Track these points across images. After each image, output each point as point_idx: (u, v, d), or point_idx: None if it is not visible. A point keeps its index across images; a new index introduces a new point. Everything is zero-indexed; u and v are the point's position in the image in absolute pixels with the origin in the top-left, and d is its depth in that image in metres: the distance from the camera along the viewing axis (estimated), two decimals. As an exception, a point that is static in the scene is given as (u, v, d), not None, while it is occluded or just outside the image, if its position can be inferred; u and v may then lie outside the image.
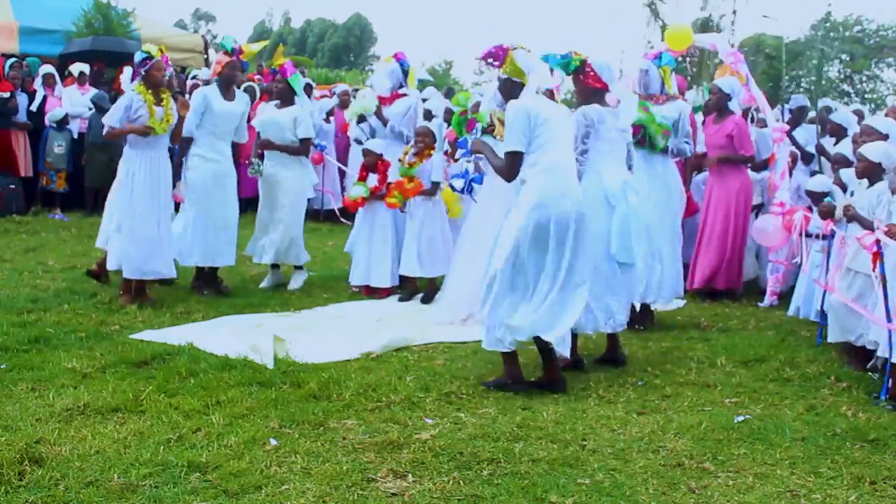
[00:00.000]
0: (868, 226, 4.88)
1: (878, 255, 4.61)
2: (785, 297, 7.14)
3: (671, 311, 6.79)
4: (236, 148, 7.26)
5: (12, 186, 10.62)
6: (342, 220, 9.04)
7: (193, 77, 11.92)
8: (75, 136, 11.17)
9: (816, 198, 6.56)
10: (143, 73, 6.29)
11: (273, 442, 3.75)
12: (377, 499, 3.27)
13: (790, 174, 7.31)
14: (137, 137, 6.29)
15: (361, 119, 7.70)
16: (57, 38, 12.62)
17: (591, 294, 4.74)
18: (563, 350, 4.59)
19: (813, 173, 7.82)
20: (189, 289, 6.95)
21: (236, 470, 3.43)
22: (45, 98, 11.14)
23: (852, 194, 5.89)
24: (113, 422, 3.96)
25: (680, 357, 5.47)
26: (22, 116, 10.77)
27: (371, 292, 7.24)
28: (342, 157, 11.41)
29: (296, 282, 7.41)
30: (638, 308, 5.89)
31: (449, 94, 15.68)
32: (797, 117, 8.46)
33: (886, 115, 6.88)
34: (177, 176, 6.81)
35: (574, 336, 4.95)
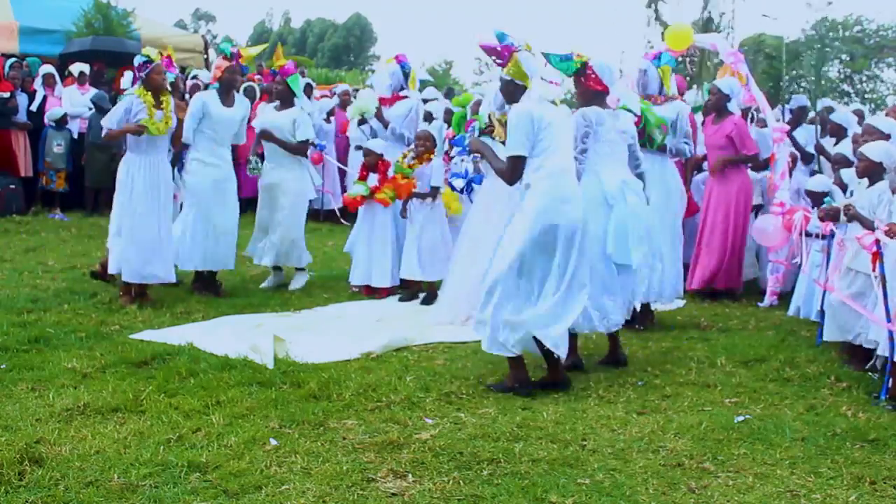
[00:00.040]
0: (868, 225, 4.88)
1: (877, 255, 4.61)
2: (785, 297, 7.14)
3: (671, 311, 6.79)
4: (235, 148, 7.25)
5: (12, 186, 10.62)
6: (342, 220, 9.05)
7: (194, 77, 11.92)
8: (75, 135, 11.18)
9: (816, 198, 6.56)
10: (143, 76, 6.29)
11: (273, 442, 3.75)
12: (377, 499, 3.27)
13: (790, 175, 7.31)
14: (137, 141, 6.30)
15: (362, 121, 7.70)
16: (57, 38, 12.62)
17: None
18: (559, 351, 4.58)
19: (813, 173, 7.83)
20: (189, 289, 6.95)
21: (236, 470, 3.43)
22: (45, 98, 11.15)
23: (851, 194, 5.89)
24: (113, 422, 3.96)
25: (680, 357, 5.47)
26: (22, 116, 10.77)
27: (371, 292, 7.24)
28: (342, 157, 11.41)
29: (297, 282, 7.41)
30: (638, 308, 5.89)
31: (449, 94, 15.69)
32: (797, 117, 8.46)
33: (887, 115, 6.87)
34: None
35: (573, 336, 4.96)
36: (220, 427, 3.90)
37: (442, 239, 6.98)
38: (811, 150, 8.16)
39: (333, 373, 4.78)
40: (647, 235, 5.21)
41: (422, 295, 7.07)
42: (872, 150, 5.16)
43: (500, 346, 4.56)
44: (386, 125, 7.63)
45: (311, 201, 7.87)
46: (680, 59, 7.71)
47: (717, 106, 7.26)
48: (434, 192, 6.89)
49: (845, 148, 6.87)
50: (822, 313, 5.69)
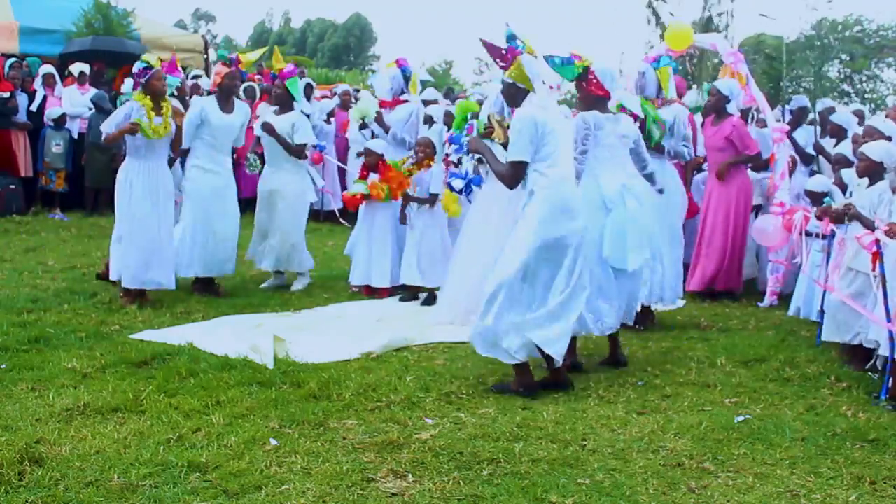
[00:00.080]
0: (869, 225, 4.88)
1: (877, 255, 4.61)
2: (785, 297, 7.14)
3: (671, 311, 6.79)
4: (233, 149, 7.24)
5: (12, 186, 10.62)
6: (341, 221, 9.05)
7: (194, 77, 11.93)
8: (75, 135, 11.18)
9: (816, 198, 6.56)
10: (143, 82, 6.29)
11: (273, 442, 3.75)
12: (377, 499, 3.27)
13: (790, 177, 7.31)
14: (136, 147, 6.31)
15: (363, 126, 7.71)
16: (57, 38, 12.62)
17: None
18: (555, 354, 4.55)
19: (813, 174, 7.82)
20: (189, 289, 6.95)
21: (236, 470, 3.43)
22: (45, 98, 11.14)
23: (851, 194, 5.89)
24: (113, 422, 3.96)
25: (680, 357, 5.47)
26: (22, 116, 10.77)
27: (371, 292, 7.25)
28: (342, 157, 11.41)
29: (298, 284, 7.41)
30: (639, 308, 5.88)
31: (449, 93, 15.68)
32: (798, 118, 8.46)
33: (887, 117, 6.87)
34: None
35: (572, 338, 4.95)
36: (220, 427, 3.90)
37: (442, 244, 6.97)
38: (811, 150, 8.16)
39: (333, 373, 4.78)
40: (648, 240, 5.17)
41: (422, 295, 7.06)
42: (873, 149, 5.16)
43: (504, 353, 4.53)
44: (387, 130, 7.64)
45: (311, 203, 7.86)
46: (680, 59, 7.71)
47: (717, 107, 7.26)
48: (433, 198, 6.89)
49: (845, 148, 6.87)
50: (822, 313, 5.69)
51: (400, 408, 4.28)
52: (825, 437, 4.01)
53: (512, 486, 3.37)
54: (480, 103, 6.96)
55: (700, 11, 22.50)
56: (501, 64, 4.65)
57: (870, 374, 5.03)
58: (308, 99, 11.33)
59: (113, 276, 6.47)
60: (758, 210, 7.71)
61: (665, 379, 4.96)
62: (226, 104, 6.89)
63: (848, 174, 6.44)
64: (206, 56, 14.24)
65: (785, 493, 3.42)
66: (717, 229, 7.26)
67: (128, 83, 6.47)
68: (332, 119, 12.00)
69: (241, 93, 9.96)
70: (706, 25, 21.58)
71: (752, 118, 8.12)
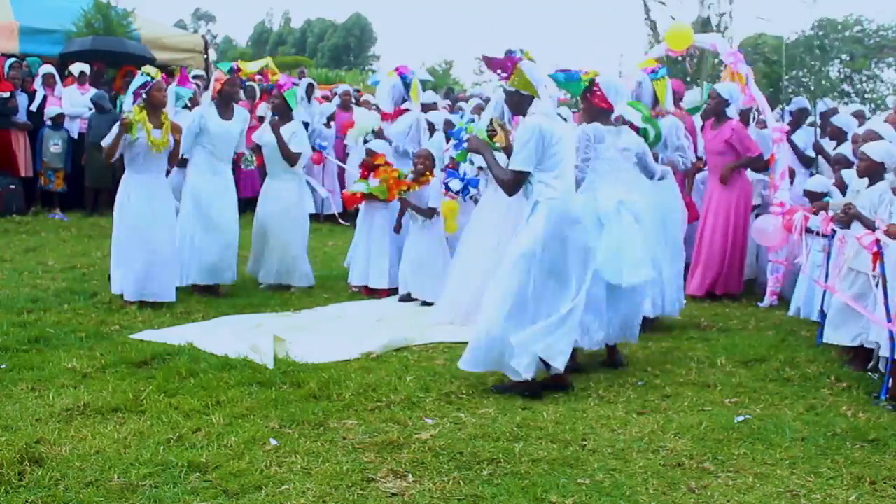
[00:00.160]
0: (869, 224, 4.88)
1: (878, 255, 4.61)
2: (785, 297, 7.14)
3: (671, 311, 6.79)
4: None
5: (12, 186, 10.61)
6: (341, 221, 9.06)
7: (194, 77, 11.91)
8: (74, 135, 11.17)
9: (815, 198, 6.56)
10: (143, 94, 6.29)
11: (273, 442, 3.75)
12: (377, 499, 3.27)
13: (791, 183, 7.30)
14: (134, 158, 6.31)
15: (365, 141, 7.77)
16: (57, 38, 12.60)
17: None
18: (559, 366, 4.53)
19: (812, 175, 7.82)
20: (189, 290, 6.94)
21: (236, 470, 3.43)
22: (45, 98, 11.13)
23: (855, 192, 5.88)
24: (113, 422, 3.96)
25: (680, 357, 5.47)
26: (22, 116, 10.76)
27: (371, 292, 7.25)
28: (342, 157, 11.40)
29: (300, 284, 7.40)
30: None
31: (449, 93, 15.68)
32: (797, 119, 8.45)
33: (886, 121, 6.86)
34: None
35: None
36: (220, 427, 3.90)
37: (442, 259, 6.90)
38: (811, 153, 8.15)
39: (333, 373, 4.78)
40: (648, 258, 5.07)
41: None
42: (874, 149, 5.16)
43: (511, 370, 4.48)
44: (389, 143, 7.68)
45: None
46: (680, 59, 7.70)
47: (717, 111, 7.24)
48: (431, 212, 6.88)
49: (845, 149, 6.87)
50: (822, 314, 5.69)
51: (400, 408, 4.28)
52: (825, 437, 4.01)
53: (512, 486, 3.38)
54: (481, 107, 6.96)
55: (697, 11, 22.51)
56: (503, 75, 4.61)
57: (870, 374, 5.03)
58: (310, 98, 11.35)
59: (115, 290, 6.46)
60: (757, 210, 7.70)
61: (665, 379, 4.96)
62: (225, 110, 6.90)
63: (849, 174, 6.44)
64: (206, 56, 14.23)
65: (785, 493, 3.42)
66: (718, 232, 7.25)
67: (128, 100, 6.44)
68: (332, 122, 11.99)
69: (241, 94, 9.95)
70: (704, 26, 21.58)
71: (753, 118, 8.11)
